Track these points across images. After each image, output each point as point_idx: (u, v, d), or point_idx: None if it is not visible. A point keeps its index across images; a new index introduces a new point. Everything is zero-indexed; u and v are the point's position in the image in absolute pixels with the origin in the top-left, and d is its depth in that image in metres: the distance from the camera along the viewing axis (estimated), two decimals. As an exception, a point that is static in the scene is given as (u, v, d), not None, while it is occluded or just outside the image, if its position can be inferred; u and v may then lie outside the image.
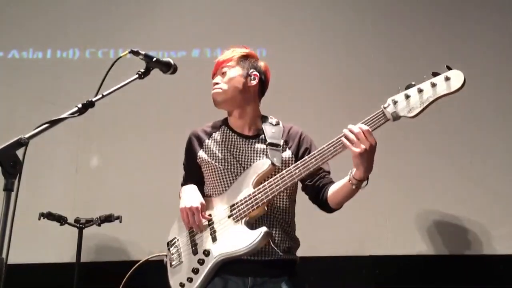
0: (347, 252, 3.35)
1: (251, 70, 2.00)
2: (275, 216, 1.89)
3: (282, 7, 3.93)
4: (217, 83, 1.99)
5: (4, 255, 1.21)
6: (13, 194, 1.25)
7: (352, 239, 3.36)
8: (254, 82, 2.00)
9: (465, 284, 3.23)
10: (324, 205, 1.92)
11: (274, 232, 1.85)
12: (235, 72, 1.99)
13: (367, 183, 1.74)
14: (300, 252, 1.98)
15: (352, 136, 1.68)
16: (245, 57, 2.03)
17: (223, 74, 1.99)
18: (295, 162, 1.88)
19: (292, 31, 3.86)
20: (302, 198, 2.01)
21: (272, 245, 1.82)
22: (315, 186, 1.92)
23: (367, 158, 1.67)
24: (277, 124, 2.03)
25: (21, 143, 1.28)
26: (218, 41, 3.78)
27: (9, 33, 3.84)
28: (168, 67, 1.82)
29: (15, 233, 1.29)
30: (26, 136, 1.30)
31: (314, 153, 1.77)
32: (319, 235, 3.16)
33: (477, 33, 3.80)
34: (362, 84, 3.73)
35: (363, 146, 1.66)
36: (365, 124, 1.70)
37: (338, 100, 3.72)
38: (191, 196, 1.93)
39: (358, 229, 3.35)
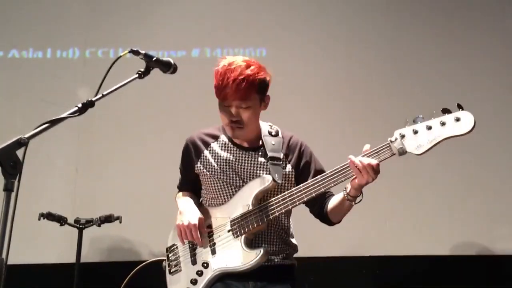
0: (347, 252, 3.35)
1: (265, 96, 1.92)
2: (275, 230, 1.92)
3: (282, 7, 3.92)
4: (237, 121, 1.85)
5: (4, 255, 1.21)
6: (13, 194, 1.25)
7: (352, 240, 3.36)
8: (267, 105, 1.94)
9: (465, 284, 3.23)
10: (326, 220, 1.95)
11: (274, 245, 1.89)
12: (254, 106, 1.86)
13: (361, 198, 1.79)
14: (300, 253, 2.00)
15: (361, 167, 1.68)
16: (261, 83, 1.87)
17: (242, 109, 1.84)
18: (295, 175, 1.92)
19: (292, 31, 3.86)
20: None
21: (272, 256, 1.86)
22: (316, 201, 1.91)
23: (366, 184, 1.72)
24: (277, 134, 1.99)
25: (21, 143, 1.28)
26: (218, 41, 3.79)
27: (9, 33, 3.84)
28: (168, 67, 1.81)
29: (15, 233, 1.29)
30: (26, 136, 1.30)
31: (318, 179, 1.78)
32: (320, 236, 3.14)
33: (477, 33, 3.80)
34: (363, 83, 3.73)
35: (370, 179, 1.69)
36: (369, 157, 1.70)
37: (338, 100, 3.72)
38: (188, 212, 1.91)
39: (358, 230, 3.35)
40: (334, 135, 3.57)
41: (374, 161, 1.67)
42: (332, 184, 1.76)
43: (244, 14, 3.92)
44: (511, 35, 3.81)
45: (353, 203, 1.79)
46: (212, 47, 3.80)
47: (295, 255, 1.99)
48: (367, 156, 1.70)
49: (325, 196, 1.92)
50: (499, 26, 3.83)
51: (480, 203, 3.46)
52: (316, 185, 1.77)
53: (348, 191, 1.78)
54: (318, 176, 1.79)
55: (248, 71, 1.81)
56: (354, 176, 1.71)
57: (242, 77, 1.79)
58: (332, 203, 1.90)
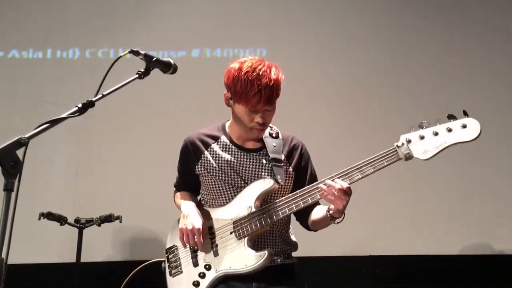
0: (347, 252, 3.35)
1: None
2: (277, 231, 1.92)
3: (282, 7, 3.92)
4: (264, 124, 1.85)
5: (4, 255, 1.21)
6: (13, 194, 1.25)
7: (352, 239, 3.36)
8: None
9: (465, 284, 3.23)
10: (307, 227, 2.00)
11: (276, 245, 1.90)
12: (275, 106, 1.87)
13: (343, 218, 1.82)
14: (301, 253, 2.00)
15: (333, 192, 1.72)
16: (281, 84, 1.85)
17: (267, 112, 1.84)
18: (295, 176, 1.94)
19: (292, 31, 3.86)
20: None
21: (274, 257, 1.86)
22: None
23: (344, 207, 1.75)
24: (277, 136, 1.99)
25: (21, 143, 1.28)
26: (218, 41, 3.79)
27: (9, 33, 3.84)
28: (168, 67, 1.81)
29: (15, 233, 1.29)
30: (26, 136, 1.30)
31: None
32: (320, 236, 3.12)
33: (477, 33, 3.80)
34: (363, 83, 3.74)
35: (344, 203, 1.72)
36: (375, 160, 1.73)
37: (339, 100, 3.72)
38: (191, 215, 1.89)
39: (358, 229, 3.34)
40: (335, 134, 3.57)
41: (345, 184, 1.71)
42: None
43: (244, 14, 3.92)
44: None
45: (332, 222, 1.83)
46: (212, 47, 3.80)
47: (295, 253, 2.00)
48: (366, 163, 1.73)
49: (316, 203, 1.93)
50: (501, 25, 3.83)
51: (480, 203, 3.46)
52: (313, 192, 1.80)
53: (331, 213, 1.80)
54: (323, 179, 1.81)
55: (273, 75, 1.79)
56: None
57: (271, 83, 1.77)
58: (316, 214, 1.92)
